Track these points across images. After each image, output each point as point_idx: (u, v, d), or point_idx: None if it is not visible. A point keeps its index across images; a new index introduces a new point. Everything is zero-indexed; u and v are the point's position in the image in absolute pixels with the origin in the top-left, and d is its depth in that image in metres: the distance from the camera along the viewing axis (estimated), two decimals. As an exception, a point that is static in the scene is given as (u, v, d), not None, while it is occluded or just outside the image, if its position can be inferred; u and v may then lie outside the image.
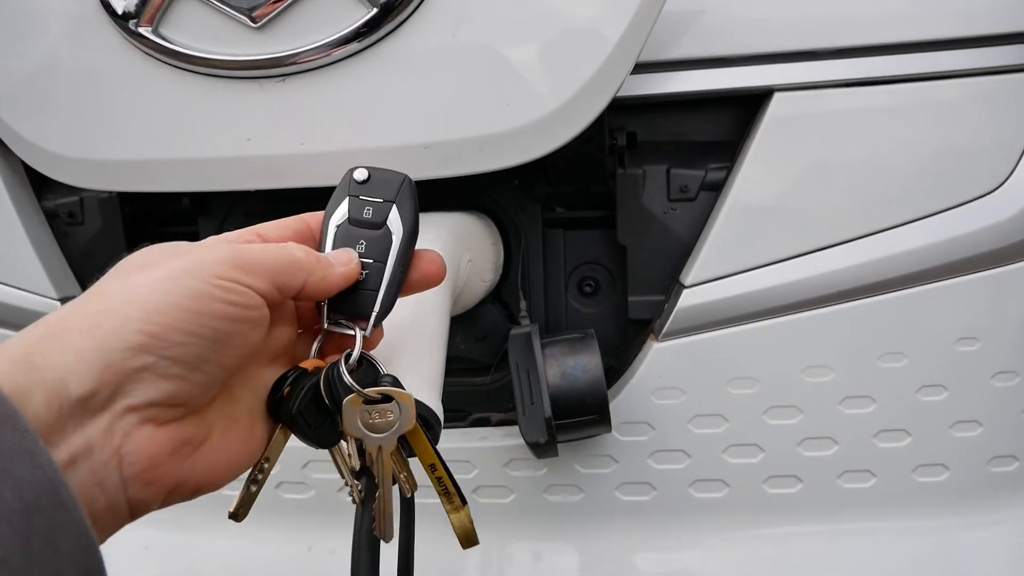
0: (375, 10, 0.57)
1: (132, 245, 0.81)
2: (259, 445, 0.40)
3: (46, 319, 0.33)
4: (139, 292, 0.33)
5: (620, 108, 0.68)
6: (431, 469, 0.46)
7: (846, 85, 0.67)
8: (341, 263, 0.41)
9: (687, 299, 0.68)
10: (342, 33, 0.58)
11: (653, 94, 0.68)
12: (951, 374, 0.67)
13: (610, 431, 0.66)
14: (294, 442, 0.78)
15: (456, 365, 0.77)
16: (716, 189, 0.70)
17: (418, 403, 0.52)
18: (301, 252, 0.39)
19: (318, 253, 0.41)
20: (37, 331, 0.32)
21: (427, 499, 0.74)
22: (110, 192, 0.79)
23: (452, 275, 0.64)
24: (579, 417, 0.64)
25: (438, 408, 0.54)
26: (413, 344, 0.55)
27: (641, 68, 0.67)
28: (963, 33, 0.67)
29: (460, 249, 0.63)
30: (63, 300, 0.79)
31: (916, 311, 0.67)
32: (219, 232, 0.79)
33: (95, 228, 0.80)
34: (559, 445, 0.66)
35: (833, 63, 0.67)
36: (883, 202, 0.67)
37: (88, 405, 0.31)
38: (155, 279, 0.34)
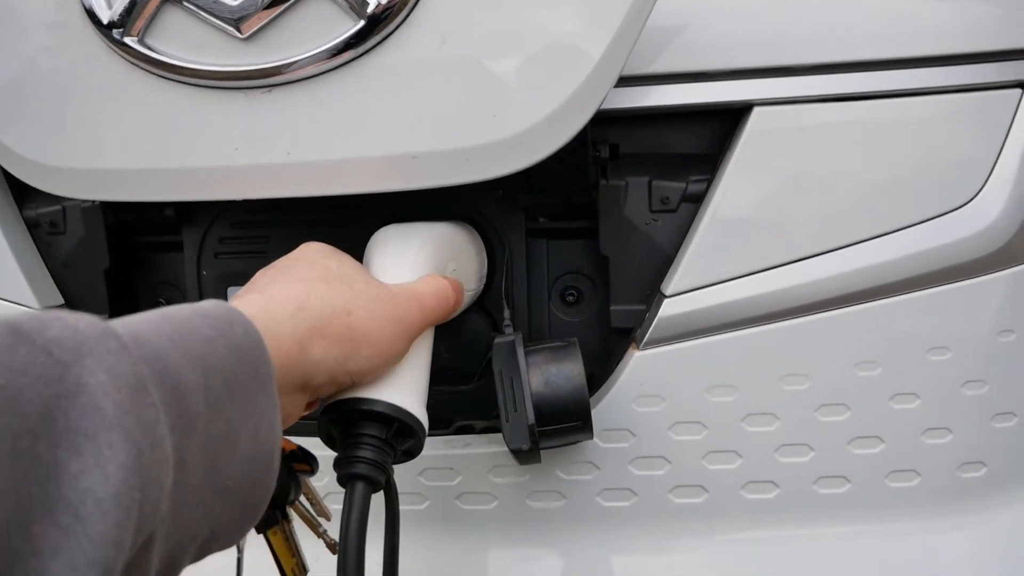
0: (363, 23, 0.57)
1: (114, 255, 0.81)
2: None
3: (320, 316, 0.47)
4: (373, 334, 0.51)
5: (603, 120, 0.69)
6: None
7: (824, 100, 0.69)
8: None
9: (668, 308, 0.70)
10: (329, 45, 0.58)
11: (635, 107, 0.70)
12: (923, 382, 0.69)
13: (592, 438, 0.67)
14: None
15: (440, 373, 0.77)
16: (697, 201, 0.71)
17: (404, 412, 0.52)
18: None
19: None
20: (310, 328, 0.46)
21: (410, 506, 0.75)
22: (93, 201, 0.78)
23: None
24: (562, 424, 0.65)
25: (423, 416, 0.55)
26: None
27: (624, 81, 0.68)
28: (937, 52, 0.69)
29: (444, 259, 0.64)
30: (44, 310, 0.79)
31: (890, 321, 0.69)
32: (202, 242, 0.79)
33: (77, 238, 0.80)
34: (542, 452, 0.67)
35: (812, 79, 0.69)
36: (859, 214, 0.69)
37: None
38: (381, 329, 0.51)
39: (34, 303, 0.79)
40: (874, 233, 0.69)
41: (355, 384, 0.51)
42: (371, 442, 0.51)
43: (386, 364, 0.51)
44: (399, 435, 0.53)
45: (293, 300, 0.46)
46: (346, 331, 0.47)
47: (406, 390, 0.54)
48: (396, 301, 0.51)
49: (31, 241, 0.81)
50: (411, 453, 0.56)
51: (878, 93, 0.68)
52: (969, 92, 0.68)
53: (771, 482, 0.71)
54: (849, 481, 0.71)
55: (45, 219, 0.81)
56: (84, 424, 0.27)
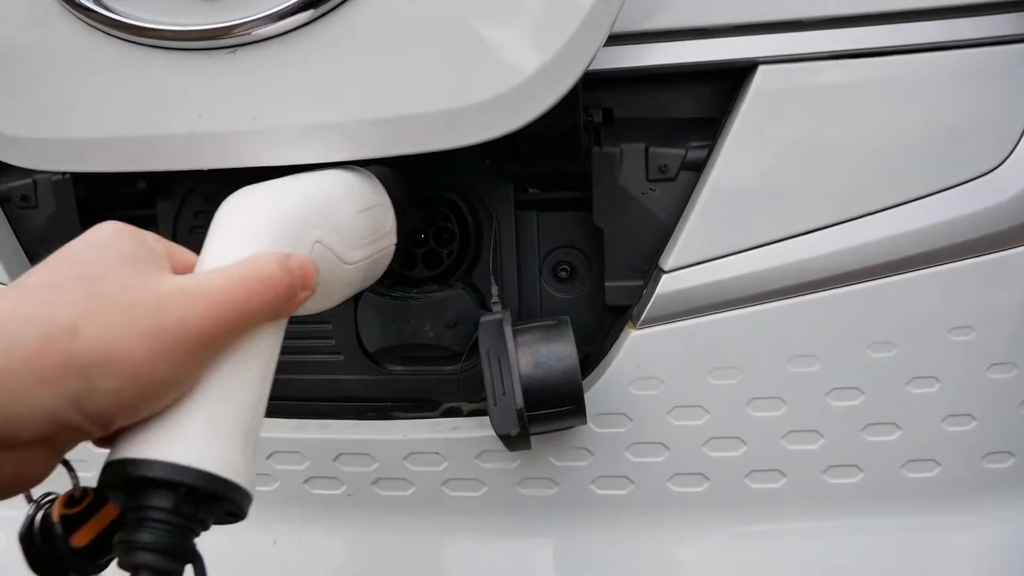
0: (329, -24, 0.53)
1: (87, 228, 0.77)
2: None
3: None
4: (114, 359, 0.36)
5: (595, 83, 0.64)
6: None
7: (836, 57, 0.63)
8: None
9: (667, 284, 0.65)
10: (295, 1, 0.54)
11: (630, 67, 0.65)
12: (943, 365, 0.64)
13: (585, 423, 0.63)
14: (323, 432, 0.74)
15: (425, 353, 0.73)
16: (697, 169, 0.66)
17: (194, 472, 0.37)
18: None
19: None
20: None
21: (395, 492, 0.71)
22: (63, 174, 0.75)
23: None
24: (553, 408, 0.61)
25: (232, 468, 0.38)
26: (201, 392, 0.38)
27: (617, 39, 0.63)
28: (960, 1, 0.63)
29: (301, 228, 0.46)
30: (10, 277, 0.76)
31: (907, 298, 0.64)
32: (176, 217, 0.76)
33: (49, 211, 0.77)
34: (532, 437, 0.63)
35: (822, 33, 0.63)
36: (874, 182, 0.64)
37: None
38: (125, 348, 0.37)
39: (6, 279, 0.76)
40: (890, 203, 0.64)
41: (124, 426, 0.36)
42: (156, 518, 0.36)
43: (149, 397, 0.36)
44: (201, 500, 0.37)
45: None
46: (67, 359, 0.33)
47: (203, 435, 0.37)
48: (161, 306, 0.36)
49: (3, 215, 0.78)
50: (234, 515, 0.40)
51: (895, 48, 0.63)
52: (996, 46, 0.62)
53: (777, 471, 0.67)
54: (862, 471, 0.66)
55: (16, 193, 0.77)
56: None
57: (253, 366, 0.40)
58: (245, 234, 0.43)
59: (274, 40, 0.56)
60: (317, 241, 0.47)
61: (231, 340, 0.39)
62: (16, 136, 0.63)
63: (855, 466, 0.66)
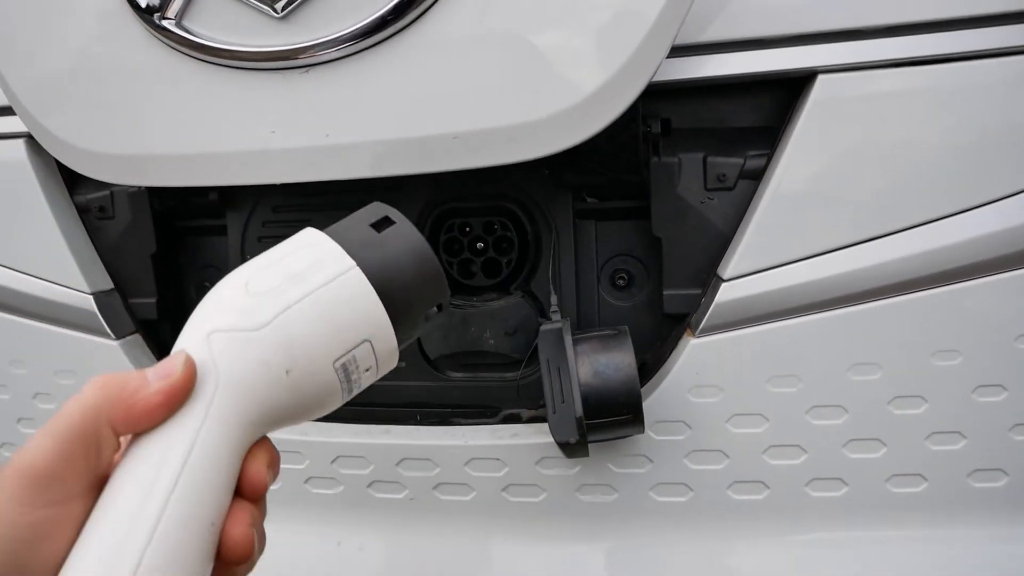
0: (399, -4, 0.55)
1: (161, 239, 0.81)
2: None
3: None
4: None
5: (654, 94, 0.65)
6: None
7: (895, 65, 0.63)
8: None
9: (726, 293, 0.65)
10: (367, 21, 0.56)
11: (689, 78, 0.65)
12: (1011, 373, 0.63)
13: (643, 431, 0.64)
14: (324, 436, 0.77)
15: (485, 360, 0.75)
16: (756, 178, 0.66)
17: None
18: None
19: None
20: None
21: (455, 496, 0.73)
22: (139, 187, 0.78)
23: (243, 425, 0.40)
24: (611, 417, 0.62)
25: None
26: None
27: (676, 51, 0.64)
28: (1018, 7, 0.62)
29: (197, 329, 0.40)
30: (95, 294, 0.80)
31: (973, 305, 0.63)
32: (246, 226, 0.79)
33: (125, 222, 0.80)
34: (590, 445, 0.64)
35: (881, 42, 0.63)
36: (936, 189, 0.63)
37: None
38: None
39: (84, 287, 0.79)
40: (953, 210, 0.63)
41: None
42: None
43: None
44: None
45: None
46: None
47: None
48: None
49: (81, 226, 0.81)
50: None
51: (956, 55, 0.62)
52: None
53: (839, 479, 0.67)
54: (926, 480, 0.66)
55: (94, 204, 0.81)
56: None
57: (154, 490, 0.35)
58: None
59: (346, 59, 0.58)
60: (212, 332, 0.39)
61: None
62: (99, 152, 0.67)
63: (919, 475, 0.66)
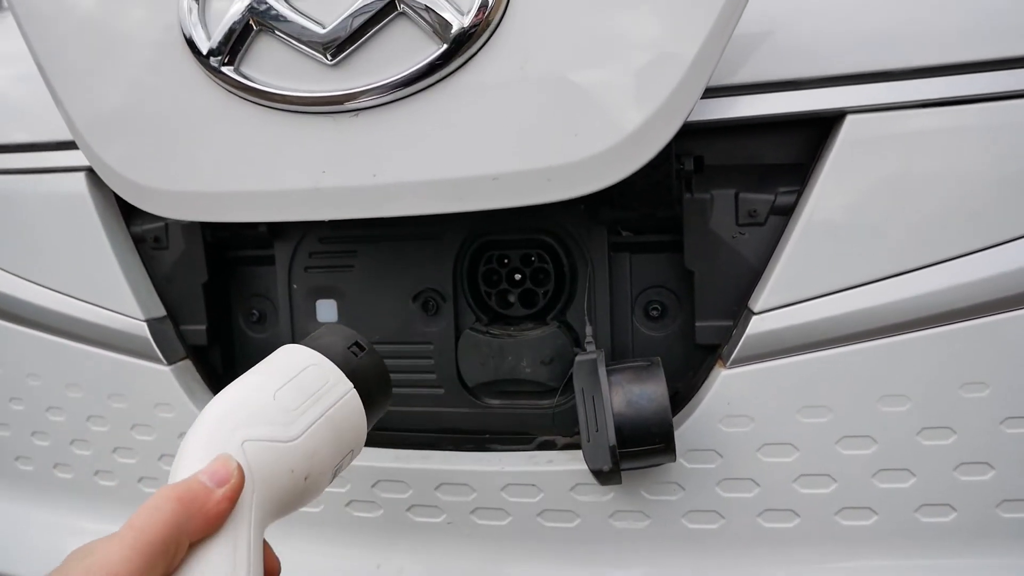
0: (446, 46, 0.58)
1: (212, 268, 0.85)
2: None
3: None
4: None
5: (688, 133, 0.67)
6: None
7: (924, 106, 0.65)
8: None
9: (757, 325, 0.67)
10: (414, 69, 0.59)
11: (721, 119, 0.68)
12: (1037, 406, 0.64)
13: (675, 460, 0.66)
14: (366, 460, 0.80)
15: (522, 388, 0.77)
16: (786, 213, 0.69)
17: None
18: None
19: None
20: None
21: (492, 521, 0.75)
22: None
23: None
24: (644, 446, 0.64)
25: None
26: None
27: (709, 92, 0.67)
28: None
29: (222, 440, 0.47)
30: (148, 321, 0.84)
31: (999, 339, 0.64)
32: (293, 257, 0.82)
33: (179, 252, 0.84)
34: (623, 473, 0.66)
35: (909, 83, 0.65)
36: (963, 225, 0.65)
37: None
38: None
39: (139, 315, 0.83)
40: (980, 246, 0.65)
41: None
42: None
43: None
44: None
45: None
46: None
47: None
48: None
49: (137, 256, 0.85)
50: None
51: (981, 96, 0.64)
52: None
53: (868, 508, 0.68)
54: (955, 510, 0.67)
55: (150, 235, 0.85)
56: None
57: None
58: (184, 458, 0.46)
59: (392, 104, 0.61)
60: (245, 440, 0.46)
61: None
62: (157, 189, 0.70)
63: (948, 505, 0.67)
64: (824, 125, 0.67)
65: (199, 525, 0.41)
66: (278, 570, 0.47)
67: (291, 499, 0.47)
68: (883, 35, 0.66)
